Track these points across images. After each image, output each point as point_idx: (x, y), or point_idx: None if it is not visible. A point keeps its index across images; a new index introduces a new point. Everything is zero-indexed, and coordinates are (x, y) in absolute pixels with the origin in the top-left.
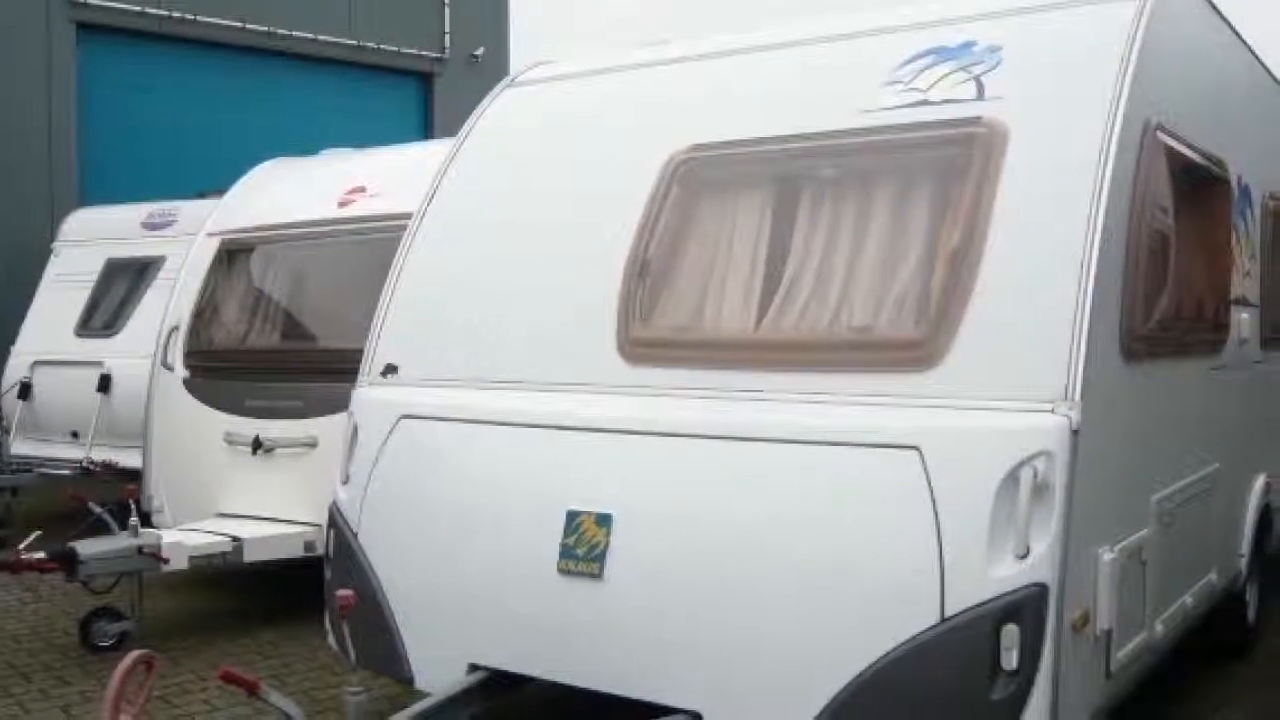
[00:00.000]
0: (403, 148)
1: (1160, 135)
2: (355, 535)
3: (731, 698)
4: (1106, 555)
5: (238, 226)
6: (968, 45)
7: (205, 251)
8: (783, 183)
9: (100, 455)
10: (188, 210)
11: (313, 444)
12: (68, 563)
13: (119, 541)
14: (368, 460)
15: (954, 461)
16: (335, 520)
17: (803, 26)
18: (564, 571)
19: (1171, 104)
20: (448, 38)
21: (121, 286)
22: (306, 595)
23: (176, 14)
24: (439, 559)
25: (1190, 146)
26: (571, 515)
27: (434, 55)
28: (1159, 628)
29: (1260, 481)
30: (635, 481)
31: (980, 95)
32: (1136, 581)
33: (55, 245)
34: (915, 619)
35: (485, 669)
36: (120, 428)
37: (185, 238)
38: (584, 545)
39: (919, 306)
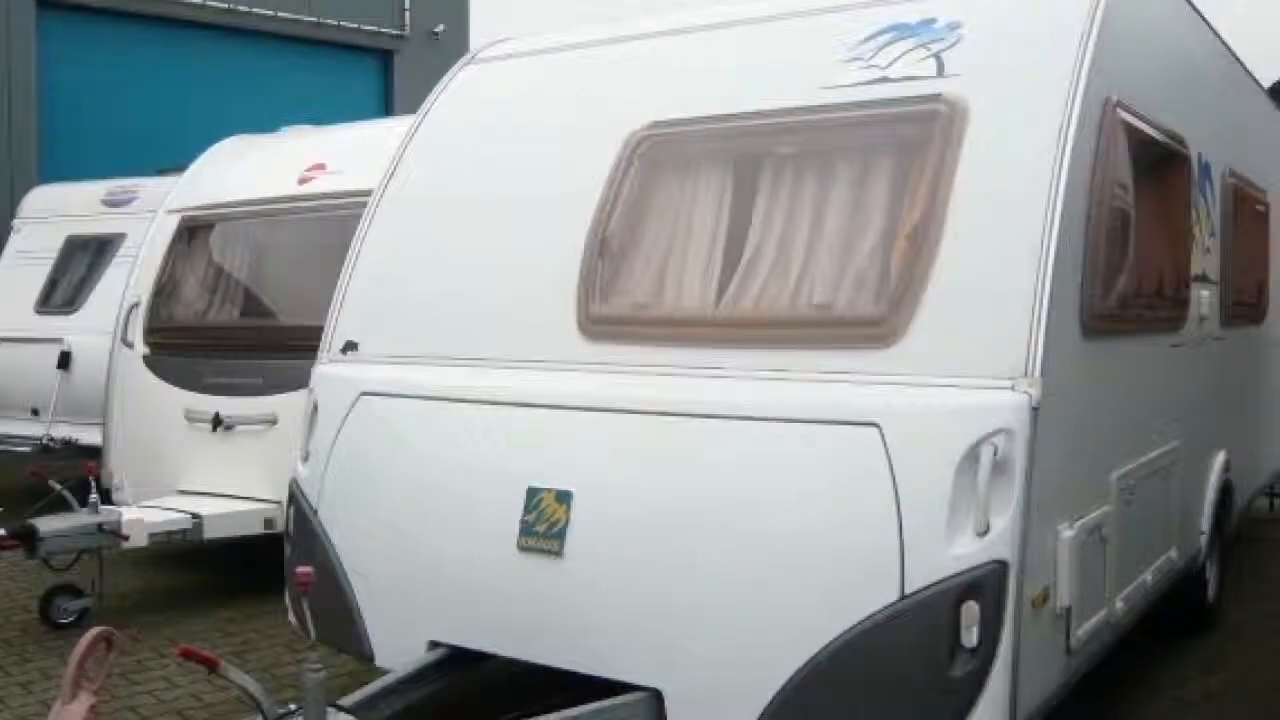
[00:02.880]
0: (363, 125)
1: (1120, 112)
2: (315, 512)
3: (692, 675)
4: (1067, 532)
5: (198, 204)
6: (928, 22)
7: (165, 229)
8: (743, 160)
9: (60, 432)
10: (148, 187)
11: (273, 421)
12: (28, 540)
13: (79, 519)
14: (327, 437)
15: (914, 439)
16: (295, 497)
17: (764, 3)
18: (524, 549)
19: (1132, 81)
20: (408, 15)
21: (82, 263)
22: (266, 572)
23: None
24: (399, 536)
25: (1150, 123)
26: (532, 492)
27: (394, 32)
28: (1119, 605)
29: (1220, 458)
30: (595, 459)
31: (940, 72)
32: (1097, 558)
33: (15, 222)
34: (875, 596)
35: (445, 646)
36: (80, 405)
37: (145, 215)
38: (544, 522)
39: (879, 284)
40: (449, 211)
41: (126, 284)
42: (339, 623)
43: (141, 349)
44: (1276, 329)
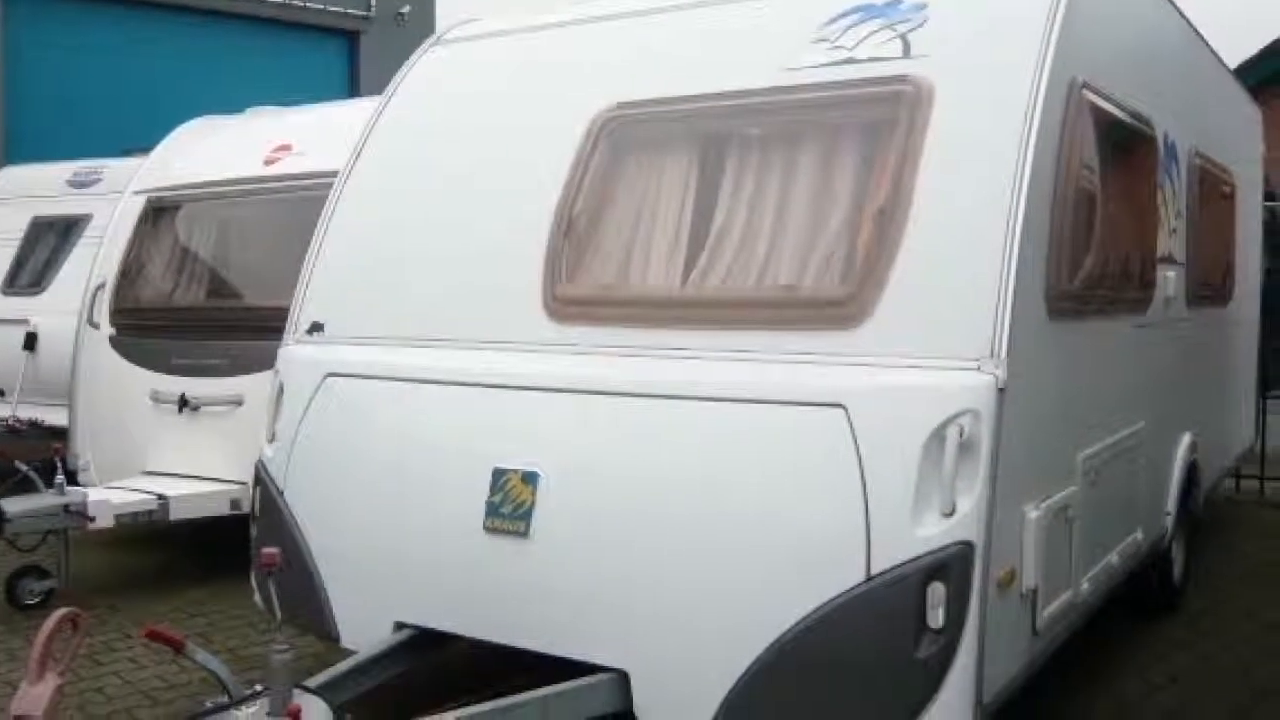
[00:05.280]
0: (329, 106)
1: (1086, 93)
2: (281, 493)
3: (658, 656)
4: (1033, 513)
5: (164, 184)
6: (894, 3)
7: (131, 209)
8: (709, 141)
9: (26, 413)
10: (114, 168)
11: (239, 402)
12: None
13: (45, 499)
14: (294, 418)
15: (880, 420)
16: (261, 478)
17: None
18: (490, 530)
19: (1098, 62)
20: None
21: (48, 244)
22: (233, 553)
23: None
24: (365, 517)
25: (1117, 104)
26: (498, 473)
27: (360, 14)
28: (1085, 585)
29: (1186, 439)
30: (562, 440)
31: (906, 53)
32: (1063, 539)
33: None
34: (841, 577)
35: (411, 627)
36: (46, 386)
37: (112, 195)
38: (510, 504)
39: (845, 265)
40: (415, 192)
41: (92, 265)
42: (305, 604)
43: (107, 330)
44: (1242, 310)
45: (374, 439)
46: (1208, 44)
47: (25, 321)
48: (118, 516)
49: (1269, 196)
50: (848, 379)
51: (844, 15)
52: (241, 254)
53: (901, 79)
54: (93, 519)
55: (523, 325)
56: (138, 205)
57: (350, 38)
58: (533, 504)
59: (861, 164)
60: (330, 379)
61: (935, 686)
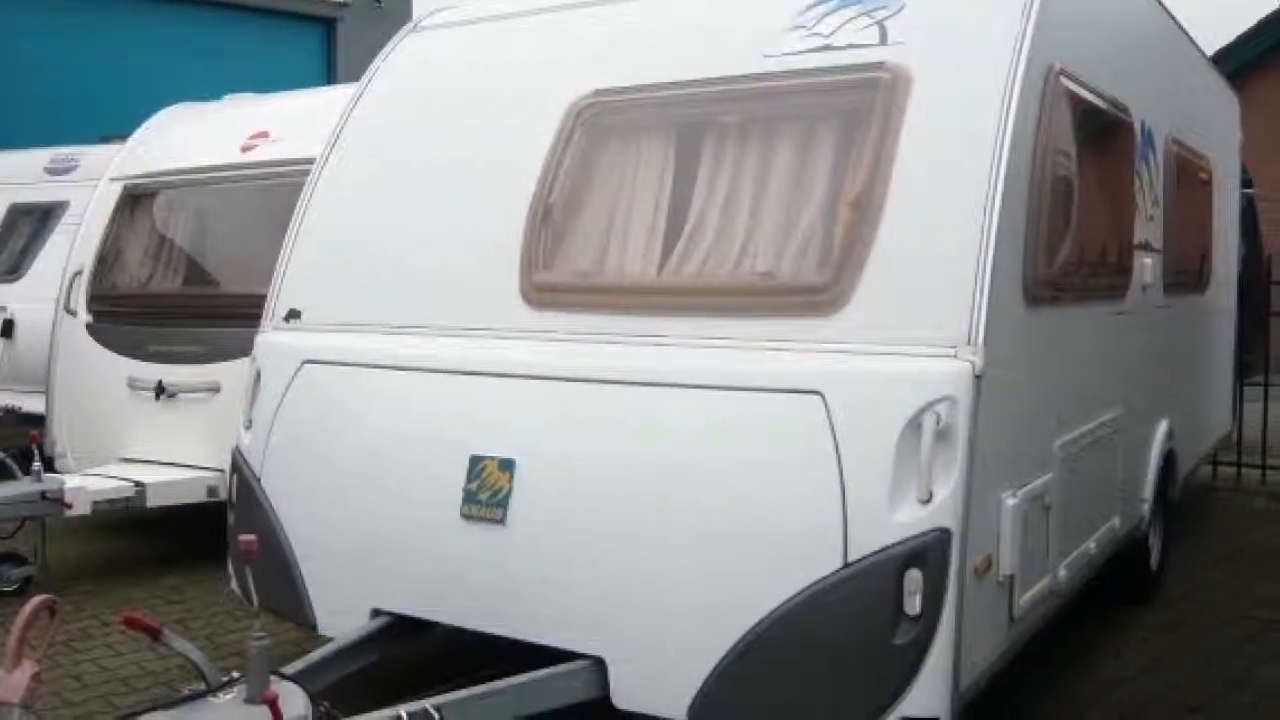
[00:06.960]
0: (306, 93)
1: (1064, 80)
2: (258, 480)
3: (634, 643)
4: (1010, 500)
5: (141, 171)
6: None
7: (109, 196)
8: (686, 128)
9: (3, 400)
10: (91, 155)
11: (216, 389)
12: None
13: (22, 486)
14: (271, 405)
15: (857, 406)
16: (238, 465)
17: None
18: (467, 517)
19: (1075, 49)
20: None
21: (25, 231)
22: (210, 540)
23: None
24: (342, 504)
25: (1094, 91)
26: (475, 460)
27: (337, 0)
28: (1062, 573)
29: (1163, 426)
30: (538, 427)
31: (884, 40)
32: (1040, 526)
33: None
34: (818, 564)
35: (388, 614)
36: (23, 373)
37: (89, 183)
38: (487, 490)
39: (822, 251)
40: (392, 179)
41: (69, 252)
42: (282, 591)
43: (85, 317)
44: (1219, 297)
45: (351, 426)
46: (1185, 31)
47: (2, 309)
48: (95, 503)
49: (1246, 184)
50: (825, 365)
51: (821, 2)
52: (218, 241)
53: (878, 66)
54: (70, 506)
55: (500, 312)
56: (115, 192)
57: (327, 25)
58: (510, 491)
59: (838, 151)
60: (307, 366)
61: (912, 673)
